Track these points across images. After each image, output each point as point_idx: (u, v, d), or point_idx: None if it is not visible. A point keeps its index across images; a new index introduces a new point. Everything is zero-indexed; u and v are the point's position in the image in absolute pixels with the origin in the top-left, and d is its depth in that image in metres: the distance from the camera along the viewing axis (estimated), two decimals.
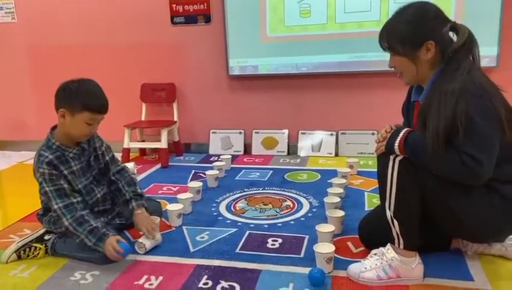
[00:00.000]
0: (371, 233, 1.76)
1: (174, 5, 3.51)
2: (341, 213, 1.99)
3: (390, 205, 1.51)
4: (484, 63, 3.07)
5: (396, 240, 1.54)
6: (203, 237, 2.01)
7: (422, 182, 1.46)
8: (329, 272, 1.63)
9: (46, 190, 1.77)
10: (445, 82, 1.40)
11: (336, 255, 1.68)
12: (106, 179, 1.99)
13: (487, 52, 3.03)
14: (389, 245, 1.58)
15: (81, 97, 1.74)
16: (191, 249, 1.89)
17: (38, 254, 1.85)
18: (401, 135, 1.44)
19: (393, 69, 1.57)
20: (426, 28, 1.45)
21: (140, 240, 1.87)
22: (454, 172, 1.38)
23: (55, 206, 1.75)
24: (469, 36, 1.44)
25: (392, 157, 1.47)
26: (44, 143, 1.83)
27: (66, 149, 1.82)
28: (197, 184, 2.52)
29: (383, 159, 1.51)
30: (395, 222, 1.51)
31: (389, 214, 1.52)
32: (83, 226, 1.73)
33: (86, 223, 1.74)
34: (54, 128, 1.87)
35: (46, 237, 1.89)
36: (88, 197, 1.88)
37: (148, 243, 1.86)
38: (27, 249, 1.85)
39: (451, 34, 1.47)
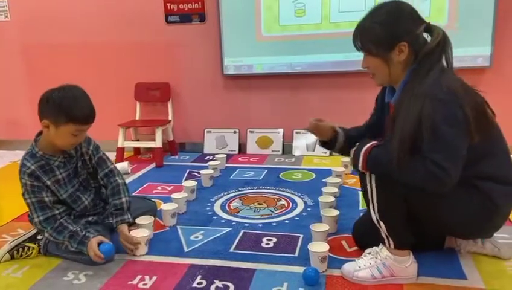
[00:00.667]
0: (364, 234, 1.76)
1: (168, 4, 3.50)
2: (335, 212, 2.00)
3: (374, 207, 1.51)
4: (478, 62, 3.15)
5: (386, 241, 1.55)
6: (197, 237, 2.00)
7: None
8: (323, 271, 1.63)
9: (27, 202, 1.76)
10: (416, 85, 1.38)
11: (330, 254, 1.68)
12: (96, 182, 1.95)
13: (480, 52, 3.05)
14: (382, 244, 1.58)
15: (66, 109, 1.64)
16: (185, 249, 1.89)
17: (31, 253, 1.84)
18: (362, 154, 1.43)
19: (366, 69, 1.54)
20: (399, 29, 1.42)
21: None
22: (419, 180, 1.35)
23: (36, 219, 1.74)
24: (443, 37, 1.41)
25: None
26: (28, 151, 1.78)
27: (51, 158, 1.77)
28: (191, 183, 2.52)
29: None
30: (381, 223, 1.52)
31: (374, 216, 1.53)
32: (63, 233, 1.73)
33: (65, 230, 1.73)
34: (39, 134, 1.80)
35: (39, 237, 1.88)
36: (75, 205, 1.86)
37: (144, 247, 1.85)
38: (20, 249, 1.84)
39: (425, 35, 1.44)
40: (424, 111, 1.31)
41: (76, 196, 1.86)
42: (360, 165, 1.45)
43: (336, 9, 3.20)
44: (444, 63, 1.43)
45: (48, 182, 1.76)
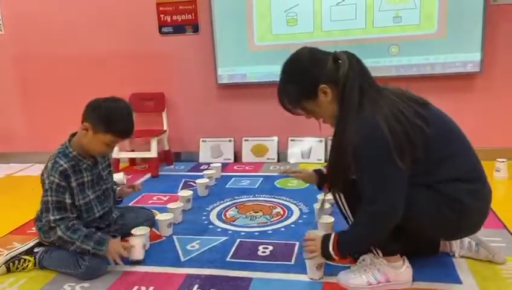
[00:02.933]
0: None
1: (162, 15, 3.53)
2: (331, 219, 2.01)
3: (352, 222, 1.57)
4: (468, 68, 3.19)
5: (373, 251, 1.58)
6: (193, 246, 2.01)
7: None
8: (320, 279, 1.64)
9: (48, 199, 1.75)
10: (340, 124, 1.43)
11: (326, 261, 1.69)
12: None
13: (470, 58, 3.09)
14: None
15: (109, 120, 1.72)
16: (182, 259, 1.89)
17: (27, 266, 1.84)
18: (330, 245, 1.50)
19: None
20: (310, 76, 1.45)
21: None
22: (371, 227, 1.44)
23: (51, 217, 1.74)
24: (350, 64, 1.41)
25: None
26: (61, 150, 1.81)
27: (81, 159, 1.82)
28: (187, 193, 2.52)
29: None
30: None
31: None
32: (77, 233, 1.74)
33: (79, 231, 1.75)
34: (72, 136, 1.86)
35: (36, 250, 1.87)
36: (86, 215, 1.87)
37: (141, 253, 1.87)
38: (16, 262, 1.83)
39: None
40: (350, 158, 1.37)
41: (91, 206, 1.88)
42: (336, 258, 1.53)
43: (328, 18, 3.24)
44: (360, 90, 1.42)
45: (74, 183, 1.79)
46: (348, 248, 1.55)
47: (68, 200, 1.77)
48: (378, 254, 1.57)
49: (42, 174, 1.83)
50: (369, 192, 1.40)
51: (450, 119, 1.50)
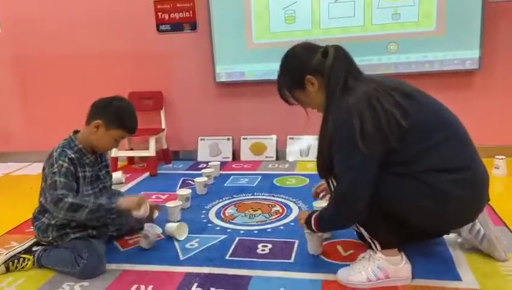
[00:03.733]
0: None
1: (159, 13, 3.52)
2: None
3: None
4: (467, 65, 3.19)
5: (372, 244, 1.59)
6: (192, 245, 2.00)
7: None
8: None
9: (55, 179, 1.73)
10: (325, 113, 1.52)
11: (325, 258, 1.69)
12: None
13: (469, 55, 3.09)
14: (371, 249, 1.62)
15: (121, 117, 1.84)
16: (181, 257, 1.89)
17: (26, 265, 1.83)
18: (313, 219, 1.63)
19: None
20: (298, 68, 1.56)
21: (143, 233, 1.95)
22: (341, 208, 1.50)
23: (59, 192, 1.70)
24: (336, 55, 1.50)
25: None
26: (65, 143, 1.85)
27: (85, 154, 1.87)
28: (186, 191, 2.52)
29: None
30: (362, 229, 1.60)
31: (354, 225, 1.62)
32: (87, 201, 1.73)
33: (86, 197, 1.79)
34: (75, 132, 1.91)
35: (34, 249, 1.87)
36: None
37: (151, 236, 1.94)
38: (15, 261, 1.83)
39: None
40: (331, 144, 1.47)
41: None
42: (314, 228, 1.64)
43: (326, 15, 3.23)
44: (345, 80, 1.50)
45: (79, 174, 1.83)
46: (325, 225, 1.63)
47: (74, 185, 1.79)
48: (376, 247, 1.58)
49: (46, 166, 1.82)
50: (337, 172, 1.48)
51: (438, 109, 1.52)
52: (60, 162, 1.76)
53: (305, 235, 1.80)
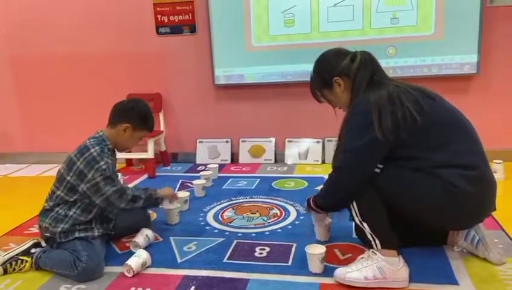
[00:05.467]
0: None
1: (159, 16, 3.52)
2: (328, 220, 2.01)
3: (356, 210, 1.63)
4: (465, 70, 3.20)
5: (372, 242, 1.62)
6: (190, 247, 2.00)
7: (373, 184, 1.59)
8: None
9: (108, 176, 1.85)
10: (350, 107, 1.66)
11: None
12: None
13: (467, 60, 3.10)
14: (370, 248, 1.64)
15: (146, 118, 2.01)
16: (179, 260, 1.89)
17: (24, 266, 1.83)
18: (311, 200, 1.81)
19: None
20: (328, 70, 1.71)
21: (134, 239, 1.96)
22: (338, 179, 1.64)
23: (119, 186, 1.90)
24: (362, 58, 1.64)
25: None
26: (98, 142, 1.92)
27: (113, 154, 2.00)
28: (184, 194, 2.52)
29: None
30: (365, 224, 1.62)
31: (357, 219, 1.64)
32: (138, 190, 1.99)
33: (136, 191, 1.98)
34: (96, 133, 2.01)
35: (33, 250, 1.87)
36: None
37: (142, 241, 1.97)
38: (13, 262, 1.83)
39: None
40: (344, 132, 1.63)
41: None
42: (312, 206, 1.80)
43: (325, 19, 3.24)
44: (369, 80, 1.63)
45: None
46: (320, 199, 1.76)
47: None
48: (376, 245, 1.60)
49: (78, 159, 1.86)
50: (342, 150, 1.61)
51: (454, 112, 1.64)
52: (106, 159, 1.88)
53: (313, 222, 1.91)
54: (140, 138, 2.05)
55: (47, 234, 1.88)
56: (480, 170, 1.55)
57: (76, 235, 1.85)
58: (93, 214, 1.91)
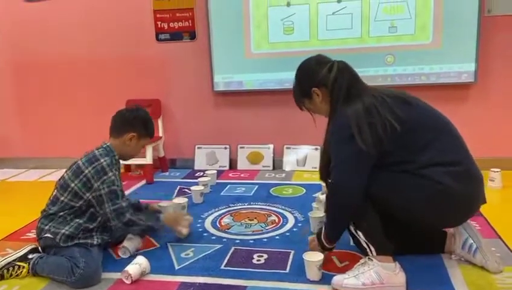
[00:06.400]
0: None
1: (159, 22, 3.54)
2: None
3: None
4: (462, 78, 3.22)
5: (367, 250, 1.63)
6: (188, 254, 2.00)
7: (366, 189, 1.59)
8: (319, 279, 1.69)
9: (114, 189, 1.89)
10: (329, 123, 1.71)
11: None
12: None
13: (465, 68, 3.12)
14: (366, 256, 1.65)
15: (149, 126, 2.06)
16: (176, 267, 1.88)
17: (21, 272, 1.82)
18: (322, 235, 1.75)
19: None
20: (307, 80, 1.74)
21: (123, 244, 1.96)
22: (335, 200, 1.63)
23: (123, 204, 1.91)
24: (339, 70, 1.66)
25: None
26: (105, 152, 1.95)
27: (118, 164, 2.05)
28: (182, 200, 2.52)
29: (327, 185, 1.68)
30: (359, 232, 1.63)
31: (352, 227, 1.65)
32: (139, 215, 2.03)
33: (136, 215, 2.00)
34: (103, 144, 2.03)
35: (30, 256, 1.86)
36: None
37: (131, 247, 1.96)
38: (10, 268, 1.82)
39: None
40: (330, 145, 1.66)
41: None
42: (327, 245, 1.75)
43: (324, 27, 3.26)
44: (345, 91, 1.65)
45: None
46: (330, 229, 1.71)
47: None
48: (372, 252, 1.61)
49: (86, 168, 1.89)
50: (332, 166, 1.61)
51: (431, 112, 1.67)
52: (114, 171, 1.92)
53: (305, 263, 1.72)
54: (143, 145, 2.10)
55: (47, 235, 1.87)
56: (464, 165, 1.59)
57: (76, 241, 1.85)
58: (97, 222, 1.93)
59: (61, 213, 1.89)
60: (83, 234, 1.88)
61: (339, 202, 1.62)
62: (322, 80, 1.68)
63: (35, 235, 1.99)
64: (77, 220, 1.89)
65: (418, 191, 1.56)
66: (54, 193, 1.95)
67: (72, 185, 1.88)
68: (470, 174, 1.60)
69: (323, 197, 2.38)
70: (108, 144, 2.00)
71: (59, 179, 1.97)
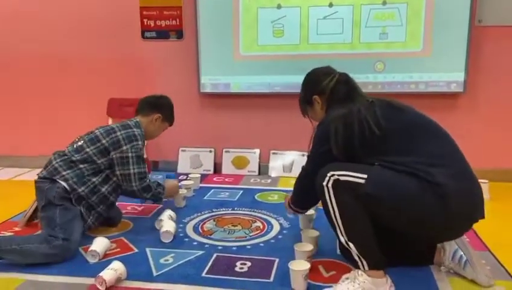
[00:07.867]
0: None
1: (145, 20, 3.45)
2: (316, 233, 1.97)
3: (341, 230, 1.57)
4: (451, 88, 3.21)
5: (359, 263, 1.56)
6: (167, 260, 1.91)
7: (359, 193, 1.52)
8: None
9: (141, 155, 2.13)
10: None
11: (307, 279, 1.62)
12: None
13: (454, 78, 3.11)
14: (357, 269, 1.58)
15: (172, 112, 2.40)
16: (154, 273, 1.79)
17: None
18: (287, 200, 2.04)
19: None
20: (310, 88, 1.87)
21: (92, 247, 1.89)
22: (298, 183, 1.90)
23: (145, 169, 2.14)
24: (338, 80, 1.78)
25: (324, 184, 1.58)
26: (137, 125, 2.18)
27: (143, 139, 2.22)
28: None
29: (319, 190, 1.60)
30: (351, 244, 1.56)
31: (343, 239, 1.58)
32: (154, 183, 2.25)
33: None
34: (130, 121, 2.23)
35: None
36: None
37: (100, 249, 1.89)
38: None
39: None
40: None
41: None
42: (290, 204, 2.00)
43: (314, 31, 3.22)
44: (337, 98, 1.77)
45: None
46: (293, 200, 1.98)
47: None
48: (364, 266, 1.54)
49: (119, 130, 2.11)
50: (309, 152, 1.78)
51: (423, 120, 1.67)
52: (141, 141, 2.13)
53: (291, 273, 1.64)
54: (163, 129, 2.37)
55: (64, 185, 1.94)
56: (445, 166, 1.53)
57: (80, 208, 1.98)
58: (109, 185, 2.08)
59: (82, 166, 2.01)
60: (92, 199, 2.02)
61: (302, 183, 1.86)
62: (323, 89, 1.79)
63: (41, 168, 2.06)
64: (93, 179, 2.02)
65: (413, 191, 1.49)
66: (80, 143, 2.08)
67: (103, 141, 2.06)
68: (465, 176, 1.58)
69: None
70: (137, 120, 2.22)
71: (89, 132, 2.13)
